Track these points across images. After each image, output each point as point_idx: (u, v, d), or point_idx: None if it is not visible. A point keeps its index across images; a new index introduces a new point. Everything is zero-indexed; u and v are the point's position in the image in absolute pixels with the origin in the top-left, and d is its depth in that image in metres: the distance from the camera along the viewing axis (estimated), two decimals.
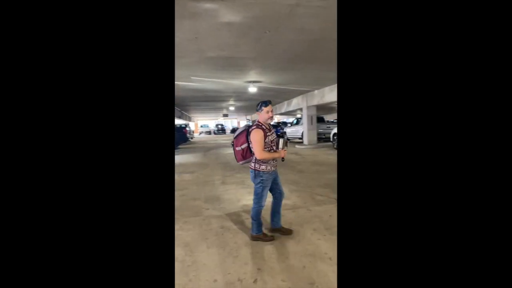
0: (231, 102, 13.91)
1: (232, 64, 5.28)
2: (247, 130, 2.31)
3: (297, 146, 11.15)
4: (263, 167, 2.24)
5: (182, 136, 14.29)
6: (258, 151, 2.16)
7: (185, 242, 2.45)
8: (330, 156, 8.00)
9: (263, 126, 2.20)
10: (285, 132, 13.65)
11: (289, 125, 15.64)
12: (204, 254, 2.21)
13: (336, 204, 3.39)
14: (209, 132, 32.06)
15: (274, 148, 2.27)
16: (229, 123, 41.26)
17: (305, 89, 9.60)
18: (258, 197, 2.32)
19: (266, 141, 2.18)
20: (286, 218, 2.96)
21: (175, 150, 10.47)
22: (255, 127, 2.19)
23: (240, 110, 19.54)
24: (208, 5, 2.70)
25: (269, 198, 2.44)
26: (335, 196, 3.76)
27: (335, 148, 9.36)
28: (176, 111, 15.27)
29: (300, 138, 12.65)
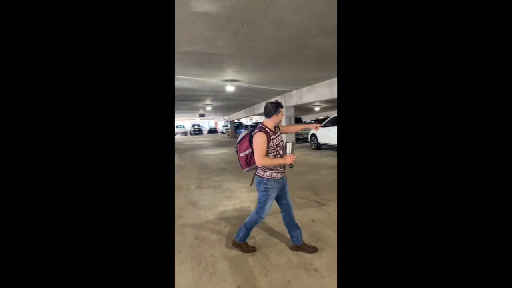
0: (208, 102, 13.53)
1: (208, 60, 5.00)
2: (250, 134, 2.07)
3: None
4: (267, 173, 1.97)
5: None
6: (257, 157, 1.91)
7: None
8: (308, 156, 7.97)
9: (267, 129, 1.96)
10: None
11: None
12: (176, 272, 1.93)
13: (318, 208, 3.26)
14: (185, 133, 31.26)
15: (281, 152, 1.99)
16: (206, 124, 40.58)
17: (283, 89, 9.53)
18: (260, 207, 2.05)
19: (270, 145, 1.93)
20: (266, 225, 2.76)
21: None
22: (258, 130, 1.95)
23: (217, 110, 19.14)
24: None
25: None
26: (316, 198, 3.64)
27: (313, 149, 9.40)
28: None
29: None
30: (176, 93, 9.33)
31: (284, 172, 2.04)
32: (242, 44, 3.99)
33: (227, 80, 7.29)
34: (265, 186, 1.98)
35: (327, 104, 14.82)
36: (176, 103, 13.86)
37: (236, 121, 23.10)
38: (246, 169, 2.13)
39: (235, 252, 2.20)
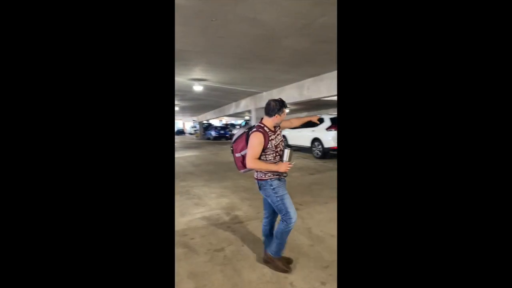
0: (175, 102, 12.96)
1: (175, 57, 4.68)
2: (247, 133, 1.85)
3: None
4: (269, 174, 1.78)
5: None
6: (249, 158, 1.72)
7: None
8: None
9: (265, 129, 1.77)
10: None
11: (237, 127, 15.36)
12: None
13: None
14: None
15: (281, 154, 1.82)
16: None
17: (253, 90, 9.42)
18: (284, 213, 1.78)
19: (269, 146, 1.76)
20: (237, 234, 2.57)
21: None
22: (255, 129, 1.76)
23: (185, 110, 18.45)
24: None
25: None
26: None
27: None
28: None
29: None
30: None
31: (285, 173, 1.84)
32: (211, 41, 3.76)
33: (194, 79, 6.96)
34: (272, 187, 1.78)
35: (296, 107, 15.09)
36: None
37: (205, 122, 22.53)
38: (242, 171, 1.95)
39: (203, 269, 1.97)
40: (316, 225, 2.74)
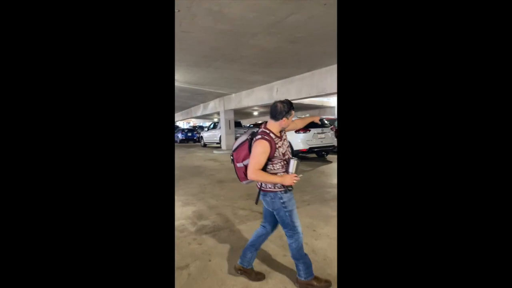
0: None
1: None
2: (250, 140, 1.61)
3: (215, 151, 10.58)
4: (279, 185, 1.56)
5: None
6: (251, 169, 1.50)
7: None
8: None
9: (271, 135, 1.54)
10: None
11: (206, 129, 14.93)
12: None
13: (261, 220, 2.98)
14: None
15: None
16: None
17: (222, 91, 9.17)
18: (290, 228, 1.61)
19: (276, 154, 1.54)
20: (204, 247, 2.33)
21: None
22: (260, 136, 1.52)
23: None
24: None
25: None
26: (259, 208, 3.37)
27: None
28: None
29: (218, 143, 12.18)
30: None
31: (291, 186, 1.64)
32: (175, 36, 3.47)
33: None
34: (282, 201, 1.57)
35: (266, 109, 15.13)
36: None
37: None
38: (245, 182, 1.70)
39: None
40: None
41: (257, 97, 8.23)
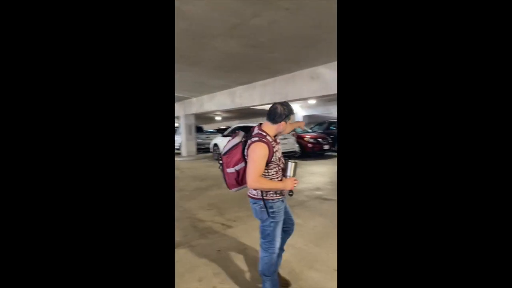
0: None
1: None
2: (243, 143, 1.46)
3: (175, 158, 10.06)
4: (271, 193, 1.45)
5: None
6: (252, 176, 1.35)
7: None
8: (211, 168, 7.49)
9: (268, 138, 1.41)
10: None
11: None
12: None
13: (223, 231, 2.80)
14: None
15: (283, 167, 1.50)
16: None
17: (182, 95, 8.78)
18: (269, 240, 1.49)
19: (273, 159, 1.42)
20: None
21: None
22: (257, 139, 1.38)
23: None
24: None
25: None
26: (221, 219, 3.18)
27: (215, 159, 9.01)
28: None
29: (177, 149, 11.62)
30: None
31: (291, 191, 1.53)
32: None
33: None
34: (272, 210, 1.46)
35: (229, 114, 14.96)
36: None
37: None
38: (234, 189, 1.55)
39: None
40: (253, 243, 2.47)
41: (219, 101, 8.04)
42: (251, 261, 2.17)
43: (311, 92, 5.25)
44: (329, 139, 8.74)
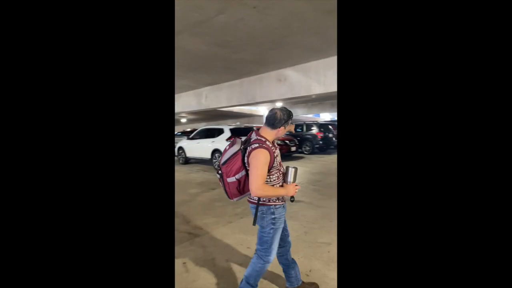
0: None
1: None
2: (243, 151, 1.41)
3: None
4: (273, 198, 1.44)
5: None
6: (256, 183, 1.31)
7: None
8: (177, 173, 7.14)
9: (267, 143, 1.39)
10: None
11: None
12: None
13: (190, 241, 2.61)
14: None
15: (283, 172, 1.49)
16: None
17: None
18: (266, 248, 1.46)
19: (274, 164, 1.40)
20: None
21: None
22: (258, 145, 1.35)
23: None
24: None
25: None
26: (187, 227, 2.98)
27: (181, 163, 8.63)
28: None
29: None
30: None
31: (292, 197, 1.54)
32: None
33: None
34: (273, 216, 1.44)
35: (195, 116, 14.53)
36: None
37: None
38: (235, 199, 1.49)
39: None
40: (221, 252, 2.33)
41: (184, 102, 7.73)
42: (221, 273, 2.03)
43: (279, 95, 5.27)
44: (296, 141, 8.90)
